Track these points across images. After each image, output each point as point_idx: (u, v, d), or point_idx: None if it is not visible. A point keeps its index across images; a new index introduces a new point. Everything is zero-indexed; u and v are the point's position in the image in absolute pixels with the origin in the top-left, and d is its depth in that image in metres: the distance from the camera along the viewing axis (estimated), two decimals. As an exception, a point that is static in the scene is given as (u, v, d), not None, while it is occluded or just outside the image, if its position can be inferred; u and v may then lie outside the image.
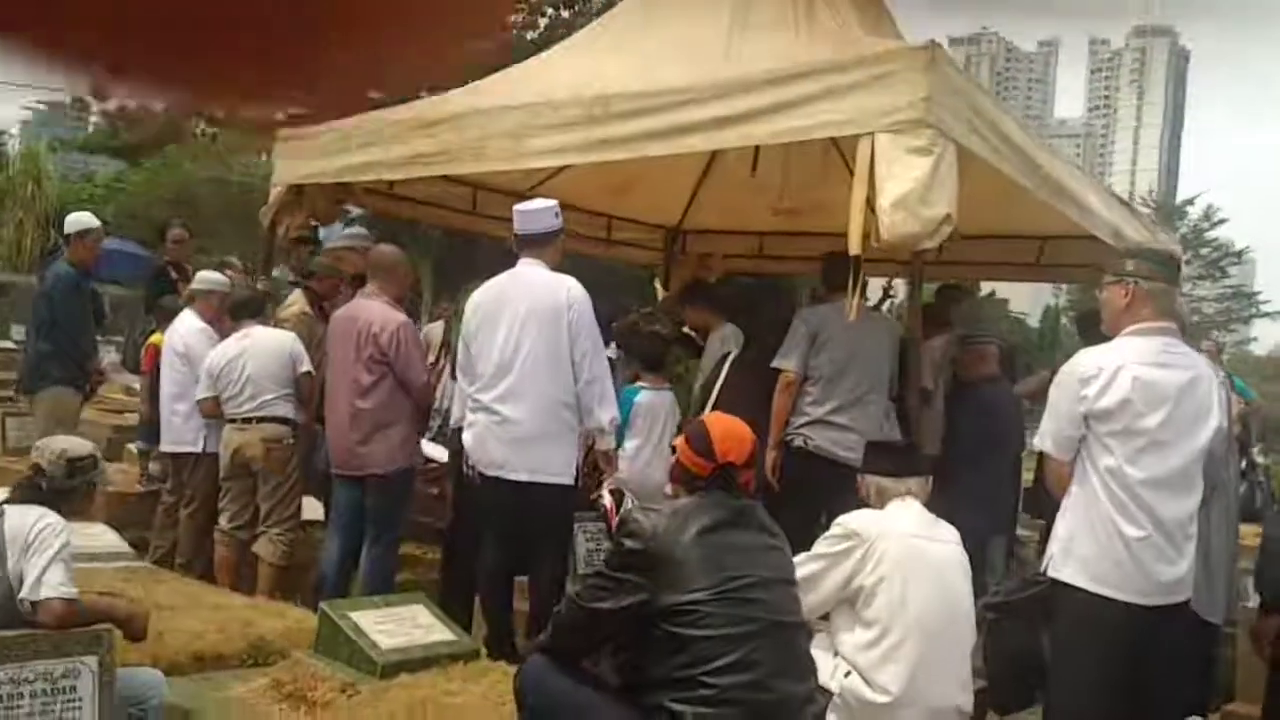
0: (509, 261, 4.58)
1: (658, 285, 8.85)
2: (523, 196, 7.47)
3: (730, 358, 5.35)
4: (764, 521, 2.72)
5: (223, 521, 5.35)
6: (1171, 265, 3.46)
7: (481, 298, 4.50)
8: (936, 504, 3.50)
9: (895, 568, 3.11)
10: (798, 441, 4.89)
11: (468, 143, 5.17)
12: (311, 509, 5.53)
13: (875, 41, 4.74)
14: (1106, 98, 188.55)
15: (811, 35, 4.98)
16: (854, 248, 4.00)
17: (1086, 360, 3.24)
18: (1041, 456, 3.95)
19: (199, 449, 5.56)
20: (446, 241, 17.17)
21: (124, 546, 4.76)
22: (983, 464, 5.28)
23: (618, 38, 5.75)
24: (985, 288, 20.40)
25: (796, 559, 3.13)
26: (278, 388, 5.31)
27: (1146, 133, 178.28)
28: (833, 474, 4.62)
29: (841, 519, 3.25)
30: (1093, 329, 5.88)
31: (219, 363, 5.35)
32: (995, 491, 5.48)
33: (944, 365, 5.67)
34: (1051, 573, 3.25)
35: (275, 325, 5.68)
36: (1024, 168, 4.69)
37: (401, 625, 3.62)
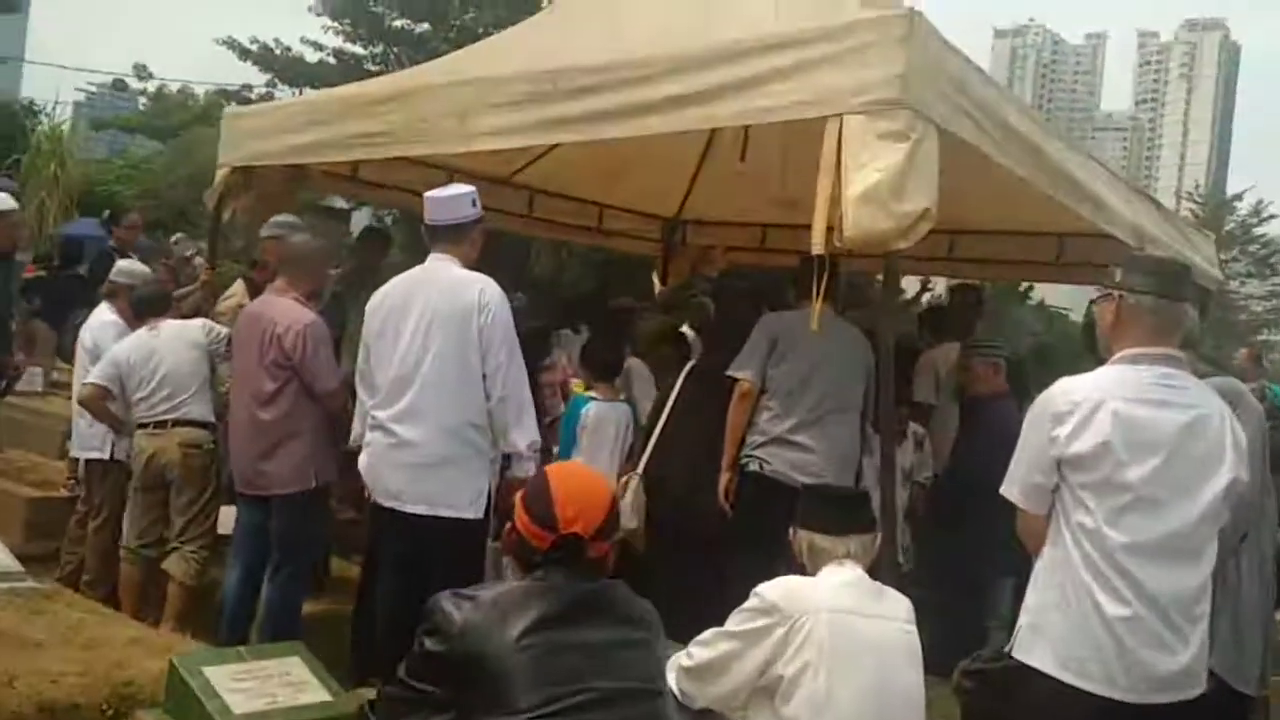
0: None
1: (655, 278, 8.35)
2: (504, 183, 7.11)
3: (688, 367, 4.85)
4: (622, 607, 2.15)
5: (128, 537, 4.90)
6: (1176, 276, 2.79)
7: (384, 297, 4.01)
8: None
9: (821, 653, 2.54)
10: (753, 465, 4.40)
11: (413, 123, 4.69)
12: (228, 521, 5.05)
13: (858, 10, 4.19)
14: (1155, 91, 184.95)
15: (793, 5, 4.45)
16: (817, 246, 3.48)
17: (1062, 391, 2.67)
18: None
19: (105, 455, 5.14)
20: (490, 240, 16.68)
21: (12, 564, 4.30)
22: (991, 493, 4.71)
23: (590, 8, 5.25)
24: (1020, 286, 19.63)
25: (703, 636, 2.64)
26: (195, 385, 4.87)
27: (1196, 127, 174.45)
28: (794, 502, 4.09)
29: (761, 589, 2.67)
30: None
31: (127, 357, 4.89)
32: (1006, 525, 4.88)
33: (949, 378, 5.12)
34: (1018, 653, 2.70)
35: (213, 319, 5.24)
36: (1024, 157, 4.12)
37: (266, 683, 3.12)
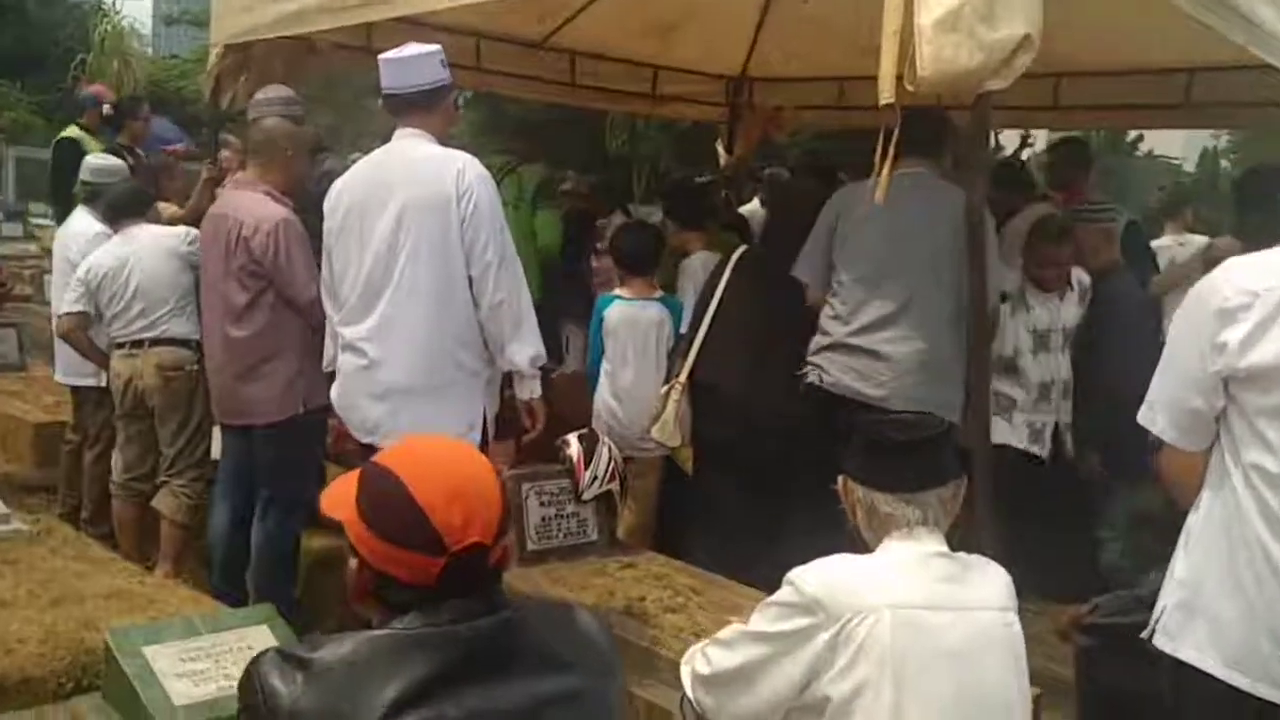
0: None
1: (719, 148, 7.53)
2: (540, 46, 6.35)
3: (737, 254, 4.10)
4: (549, 642, 1.40)
5: (116, 471, 4.42)
6: None
7: (343, 188, 3.32)
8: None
9: (884, 667, 1.82)
10: (811, 375, 3.66)
11: (405, -27, 3.98)
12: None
13: None
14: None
15: None
16: (885, 94, 2.70)
17: (1230, 279, 1.89)
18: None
19: (99, 381, 4.61)
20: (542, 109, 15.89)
21: (-4, 506, 3.88)
22: (1105, 378, 3.92)
23: None
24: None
25: (723, 634, 1.98)
26: (174, 300, 4.30)
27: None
28: (851, 415, 3.39)
29: (797, 575, 1.94)
30: (1262, 195, 4.40)
31: (97, 272, 4.33)
32: (1120, 415, 4.07)
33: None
34: (1163, 642, 1.99)
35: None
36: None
37: (221, 662, 2.59)
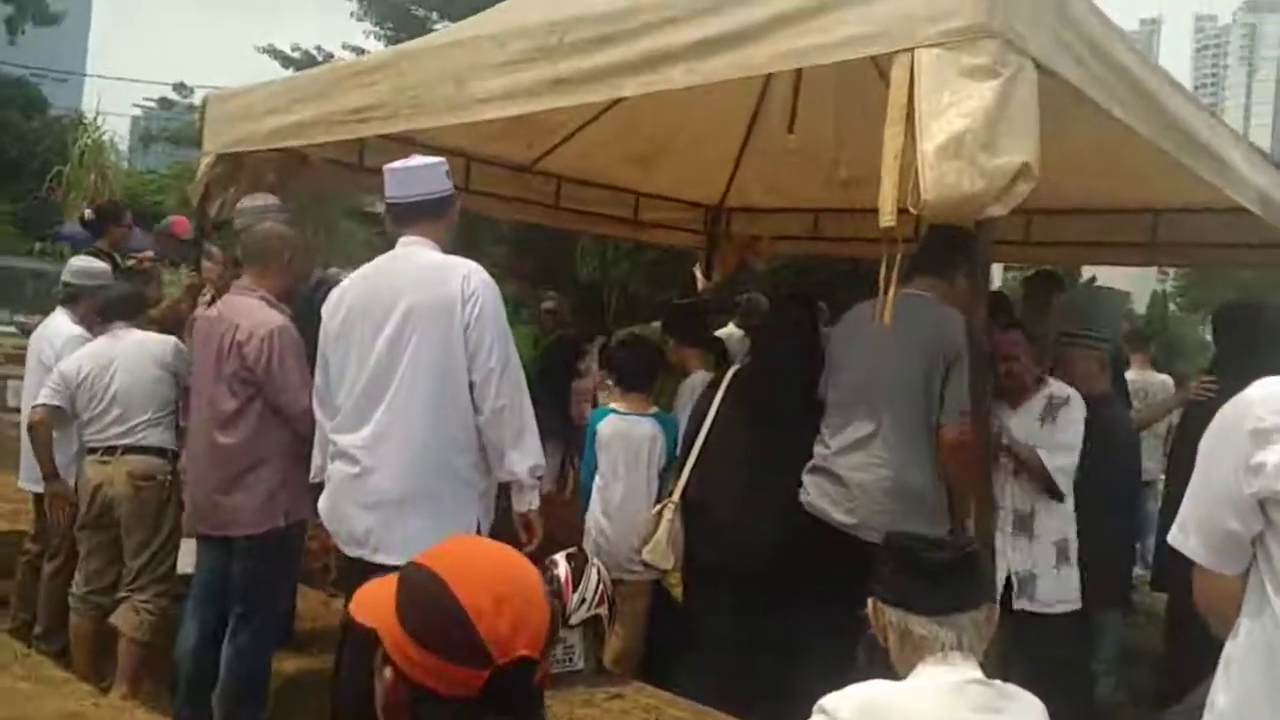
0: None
1: (698, 272, 7.64)
2: (528, 170, 6.45)
3: (731, 373, 4.10)
4: None
5: (77, 583, 4.25)
6: None
7: (343, 293, 3.31)
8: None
9: None
10: (802, 496, 3.65)
11: (404, 92, 4.03)
12: (190, 559, 4.26)
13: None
14: (1214, 76, 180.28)
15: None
16: (885, 217, 2.74)
17: (1264, 398, 1.84)
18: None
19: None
20: (517, 230, 16.04)
21: (-59, 619, 3.71)
22: (1095, 512, 3.88)
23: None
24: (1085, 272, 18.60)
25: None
26: (152, 409, 4.21)
27: (1258, 110, 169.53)
28: (839, 544, 3.38)
29: (829, 704, 1.87)
30: (1240, 336, 4.45)
31: (79, 368, 4.24)
32: (1107, 547, 4.03)
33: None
34: None
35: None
36: (1141, 108, 3.36)
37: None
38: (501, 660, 1.23)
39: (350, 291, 3.30)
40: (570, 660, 3.51)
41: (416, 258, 3.21)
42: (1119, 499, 4.18)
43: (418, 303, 3.10)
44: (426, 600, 1.26)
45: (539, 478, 3.21)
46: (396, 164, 3.34)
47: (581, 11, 3.52)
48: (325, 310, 3.33)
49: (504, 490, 3.25)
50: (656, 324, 7.58)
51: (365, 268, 3.39)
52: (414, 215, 3.25)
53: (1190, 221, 5.41)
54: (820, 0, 2.93)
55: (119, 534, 4.21)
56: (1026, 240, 6.04)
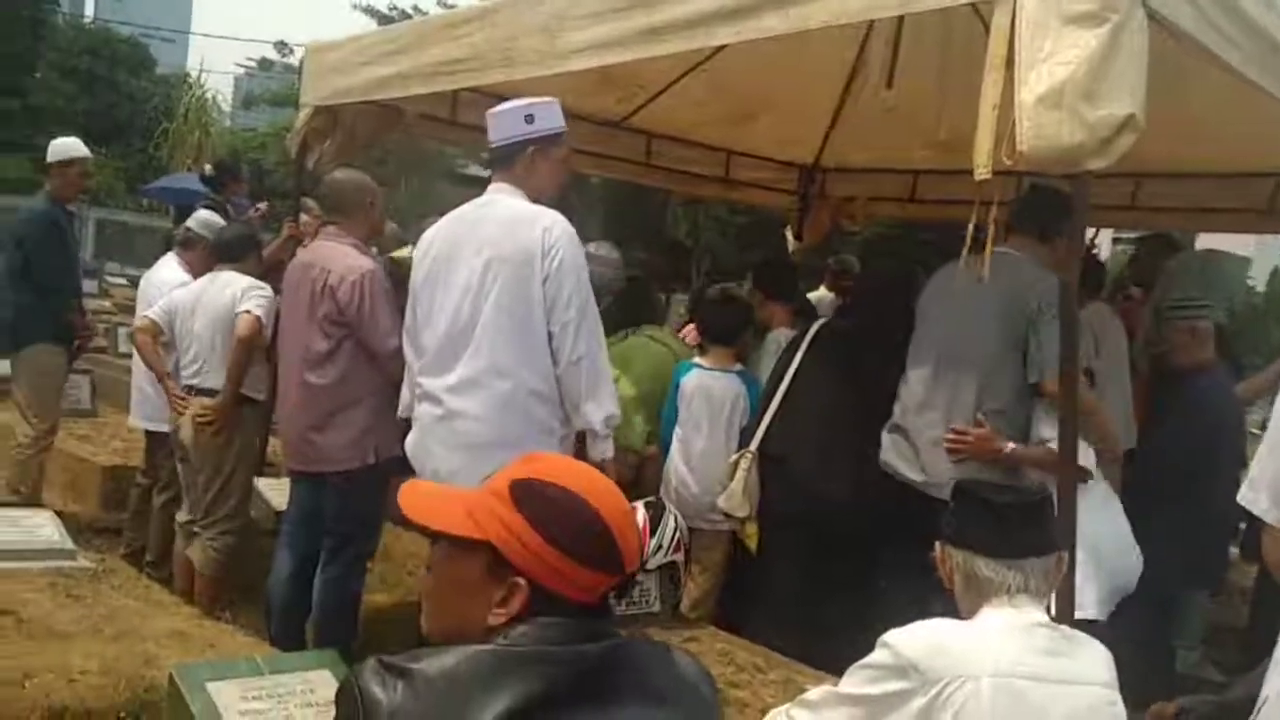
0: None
1: (789, 234, 7.55)
2: (619, 125, 6.43)
3: (816, 327, 4.06)
4: (649, 676, 1.32)
5: (181, 513, 4.44)
6: None
7: (431, 239, 3.35)
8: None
9: None
10: (881, 454, 3.62)
11: (497, 44, 4.04)
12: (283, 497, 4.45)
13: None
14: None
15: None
16: (980, 169, 2.67)
17: None
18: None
19: (167, 426, 4.62)
20: (613, 192, 16.09)
21: (64, 542, 3.89)
22: (1185, 485, 3.79)
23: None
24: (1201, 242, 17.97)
25: (810, 695, 1.90)
26: (225, 351, 4.32)
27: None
28: (914, 501, 3.35)
29: (893, 638, 1.88)
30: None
31: (180, 303, 4.40)
32: (1200, 524, 3.95)
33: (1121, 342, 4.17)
34: None
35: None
36: (1263, 56, 3.19)
37: (284, 703, 2.54)
38: (629, 570, 1.37)
39: (439, 235, 3.35)
40: (646, 603, 3.56)
41: (501, 205, 3.23)
42: (1206, 472, 4.04)
43: (498, 254, 3.13)
44: (571, 513, 1.34)
45: (613, 427, 3.23)
46: (492, 109, 3.35)
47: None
48: (416, 252, 3.41)
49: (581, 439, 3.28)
50: (746, 283, 7.59)
51: (454, 212, 3.42)
52: (496, 161, 3.29)
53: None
54: (920, -58, 2.86)
55: None
56: (1134, 205, 5.84)
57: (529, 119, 3.28)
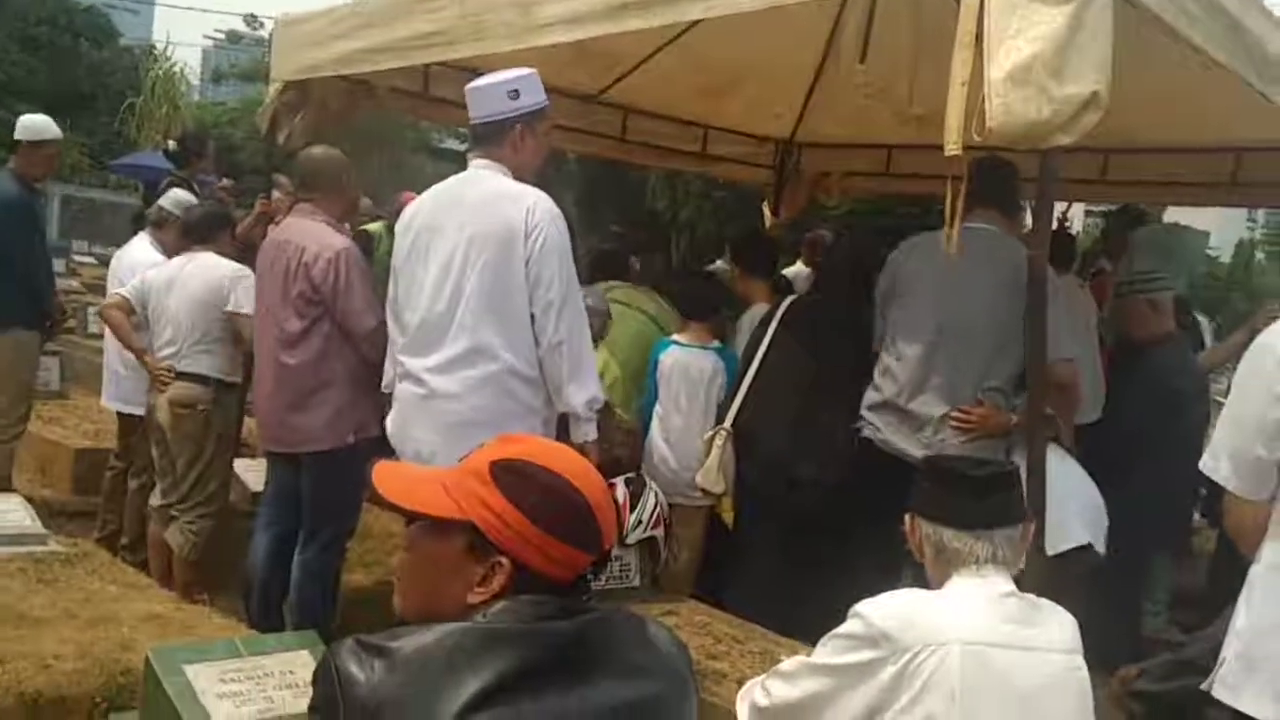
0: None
1: (766, 210, 7.57)
2: (593, 100, 6.41)
3: (786, 303, 4.09)
4: (626, 649, 1.34)
5: (154, 496, 4.42)
6: None
7: (415, 213, 3.32)
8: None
9: (952, 703, 1.79)
10: (866, 431, 3.63)
11: (469, 17, 4.01)
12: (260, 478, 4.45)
13: None
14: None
15: None
16: (951, 145, 2.70)
17: None
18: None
19: (142, 410, 4.60)
20: (591, 171, 16.00)
21: (35, 527, 3.87)
22: (1148, 454, 3.88)
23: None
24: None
25: (784, 666, 1.95)
26: (201, 335, 4.30)
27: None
28: (893, 475, 3.35)
29: (863, 609, 1.93)
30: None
31: (153, 282, 4.36)
32: (1164, 491, 4.05)
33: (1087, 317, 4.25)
34: (1221, 693, 1.98)
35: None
36: (1222, 35, 3.24)
37: (263, 684, 2.56)
38: (606, 548, 1.40)
39: (421, 211, 3.32)
40: (626, 577, 3.60)
41: (484, 183, 3.21)
42: (1168, 440, 4.12)
43: (480, 231, 3.11)
44: (552, 492, 1.37)
45: (596, 411, 3.22)
46: (473, 82, 3.32)
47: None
48: (398, 227, 3.37)
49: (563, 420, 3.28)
50: (724, 258, 7.59)
51: (437, 187, 3.40)
52: (477, 137, 3.26)
53: (1276, 161, 5.24)
54: (891, -80, 2.87)
55: None
56: (1103, 179, 5.90)
57: (513, 94, 3.24)
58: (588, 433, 3.21)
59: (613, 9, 3.53)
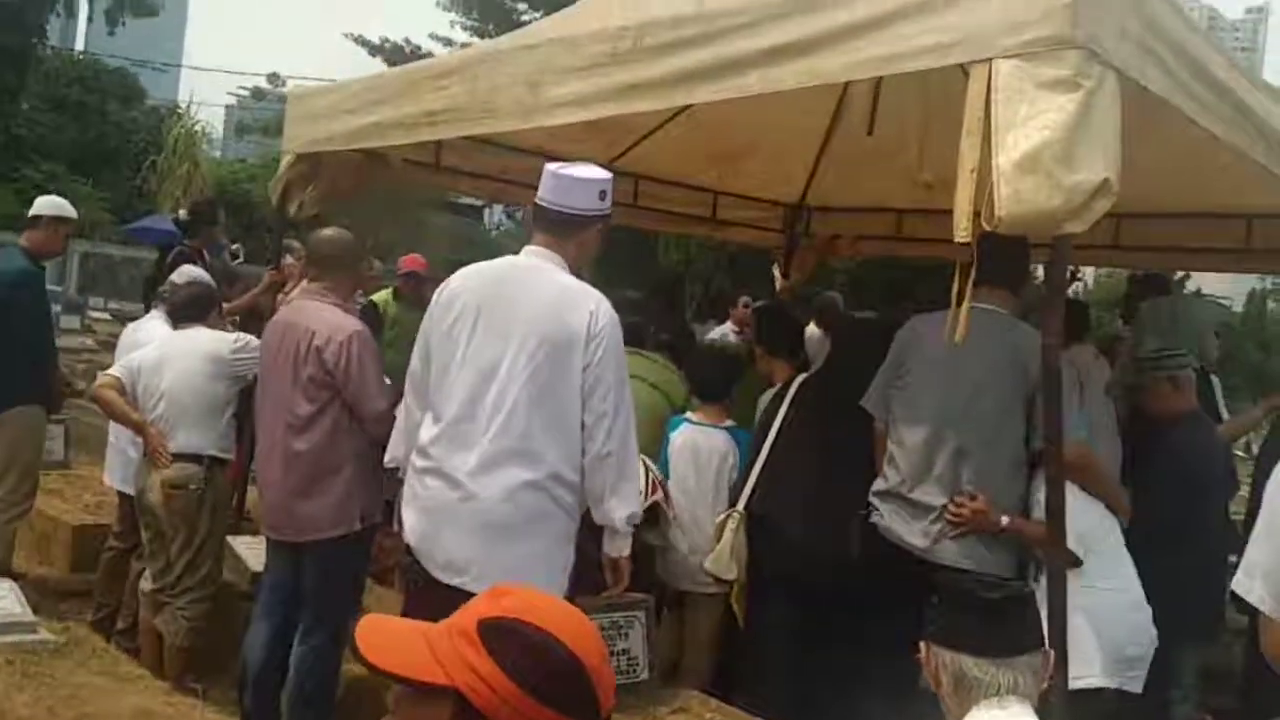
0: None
1: (776, 272, 7.55)
2: (605, 168, 6.41)
3: (800, 380, 4.04)
4: None
5: (145, 580, 4.33)
6: None
7: (460, 289, 3.15)
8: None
9: None
10: (874, 516, 3.56)
11: (479, 95, 4.04)
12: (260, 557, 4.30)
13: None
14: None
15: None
16: (960, 232, 2.66)
17: None
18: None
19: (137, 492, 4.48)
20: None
21: (25, 614, 3.77)
22: (1171, 540, 3.74)
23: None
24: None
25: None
26: (197, 412, 4.24)
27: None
28: (907, 564, 3.31)
29: None
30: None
31: (142, 361, 4.31)
32: (1189, 580, 3.89)
33: (1104, 387, 4.14)
34: None
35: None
36: (1230, 116, 3.22)
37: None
38: (604, 713, 1.29)
39: (466, 291, 3.15)
40: (634, 672, 3.51)
41: (543, 277, 3.08)
42: (1195, 527, 4.00)
43: (537, 332, 2.98)
44: (546, 656, 1.26)
45: (632, 527, 3.11)
46: (559, 166, 3.20)
47: (655, 15, 3.48)
48: (437, 302, 3.19)
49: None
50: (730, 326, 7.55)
51: (484, 268, 3.25)
52: (551, 223, 3.12)
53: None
54: (895, 8, 2.87)
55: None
56: (1116, 244, 5.87)
57: (602, 195, 3.15)
58: (622, 549, 3.08)
59: (620, 90, 3.53)
